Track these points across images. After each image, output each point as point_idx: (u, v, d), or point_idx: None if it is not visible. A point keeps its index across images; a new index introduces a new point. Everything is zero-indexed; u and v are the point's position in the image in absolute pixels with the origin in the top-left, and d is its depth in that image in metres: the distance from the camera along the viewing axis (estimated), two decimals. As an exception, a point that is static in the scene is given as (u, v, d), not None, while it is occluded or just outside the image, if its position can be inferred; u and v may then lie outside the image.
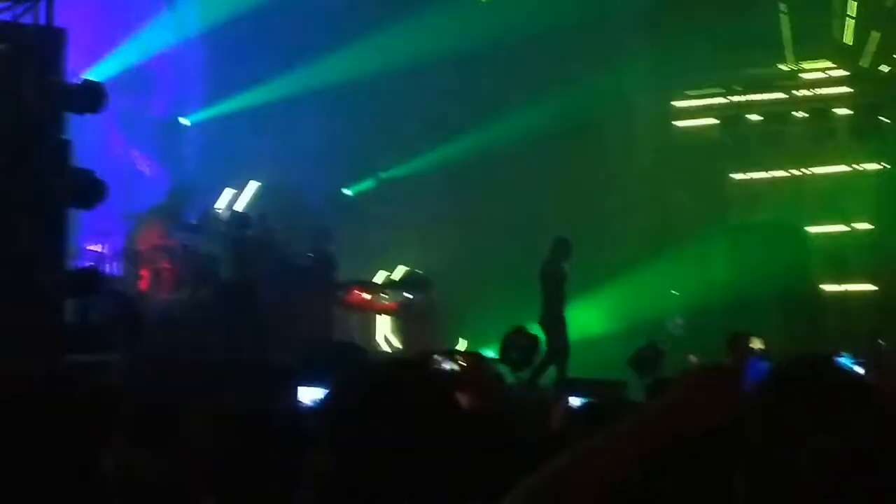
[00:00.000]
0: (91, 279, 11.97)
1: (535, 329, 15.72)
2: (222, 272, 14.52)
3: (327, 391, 2.58)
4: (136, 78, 18.11)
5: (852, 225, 20.65)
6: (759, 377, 2.34)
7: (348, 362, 11.47)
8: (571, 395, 9.67)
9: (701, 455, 2.14)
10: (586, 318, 18.72)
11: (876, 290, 17.93)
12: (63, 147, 11.54)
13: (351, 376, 2.63)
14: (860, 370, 11.13)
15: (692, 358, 14.05)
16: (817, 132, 20.94)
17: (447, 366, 4.64)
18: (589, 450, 2.06)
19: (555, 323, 15.92)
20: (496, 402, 4.34)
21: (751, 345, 12.67)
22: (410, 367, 2.66)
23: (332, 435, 2.47)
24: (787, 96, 21.73)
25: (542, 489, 2.03)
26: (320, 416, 2.56)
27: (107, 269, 15.05)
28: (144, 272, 15.77)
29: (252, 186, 19.67)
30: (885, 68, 20.77)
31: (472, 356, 5.46)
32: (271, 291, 15.74)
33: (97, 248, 15.57)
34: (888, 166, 20.40)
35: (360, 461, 2.43)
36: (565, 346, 15.80)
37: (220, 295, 14.41)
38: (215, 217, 17.61)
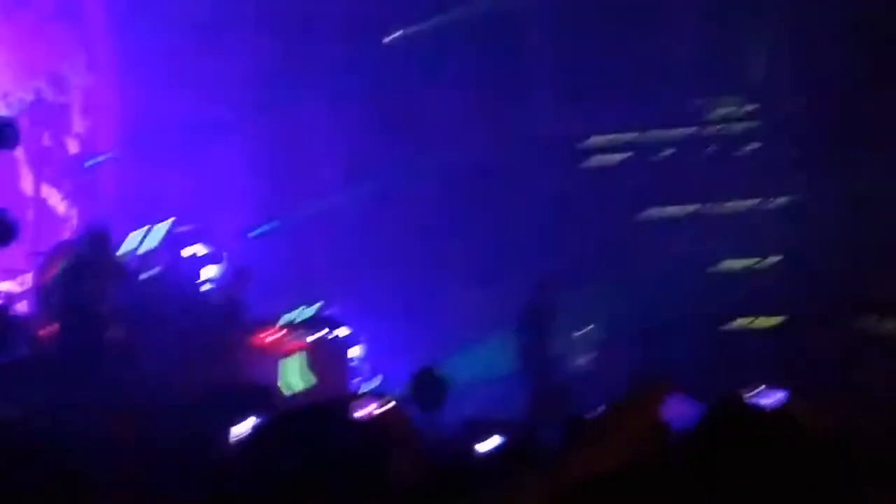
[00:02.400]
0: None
1: (447, 369, 15.61)
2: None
3: (249, 437, 2.58)
4: (49, 114, 17.79)
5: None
6: (687, 418, 2.27)
7: (260, 407, 11.27)
8: (485, 437, 9.66)
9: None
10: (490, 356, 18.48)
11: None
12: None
13: (274, 423, 2.63)
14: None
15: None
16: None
17: (368, 411, 4.70)
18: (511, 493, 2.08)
19: (543, 365, 15.72)
20: (416, 447, 4.43)
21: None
22: (335, 413, 2.70)
23: (258, 481, 2.46)
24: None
25: None
26: (246, 463, 2.53)
27: (16, 309, 14.78)
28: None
29: (165, 224, 19.28)
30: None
31: (390, 401, 5.52)
32: (174, 330, 15.44)
33: (6, 286, 15.34)
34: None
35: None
36: (557, 388, 15.35)
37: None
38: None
